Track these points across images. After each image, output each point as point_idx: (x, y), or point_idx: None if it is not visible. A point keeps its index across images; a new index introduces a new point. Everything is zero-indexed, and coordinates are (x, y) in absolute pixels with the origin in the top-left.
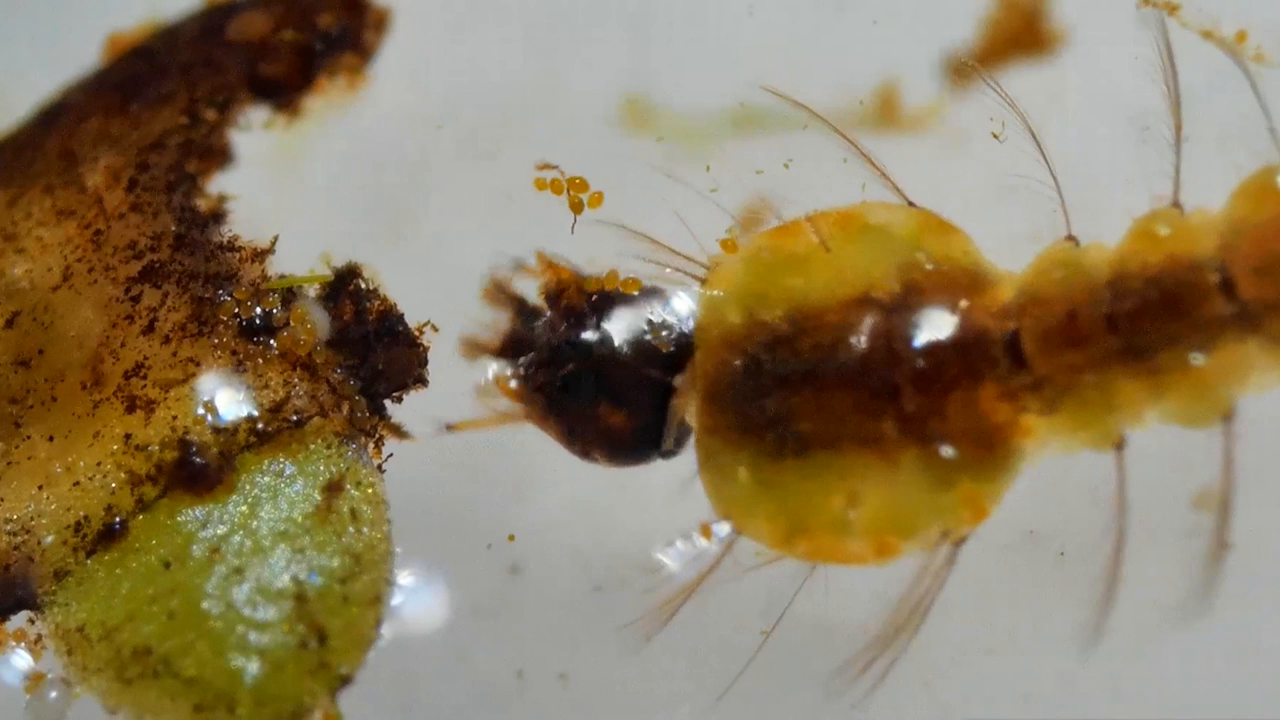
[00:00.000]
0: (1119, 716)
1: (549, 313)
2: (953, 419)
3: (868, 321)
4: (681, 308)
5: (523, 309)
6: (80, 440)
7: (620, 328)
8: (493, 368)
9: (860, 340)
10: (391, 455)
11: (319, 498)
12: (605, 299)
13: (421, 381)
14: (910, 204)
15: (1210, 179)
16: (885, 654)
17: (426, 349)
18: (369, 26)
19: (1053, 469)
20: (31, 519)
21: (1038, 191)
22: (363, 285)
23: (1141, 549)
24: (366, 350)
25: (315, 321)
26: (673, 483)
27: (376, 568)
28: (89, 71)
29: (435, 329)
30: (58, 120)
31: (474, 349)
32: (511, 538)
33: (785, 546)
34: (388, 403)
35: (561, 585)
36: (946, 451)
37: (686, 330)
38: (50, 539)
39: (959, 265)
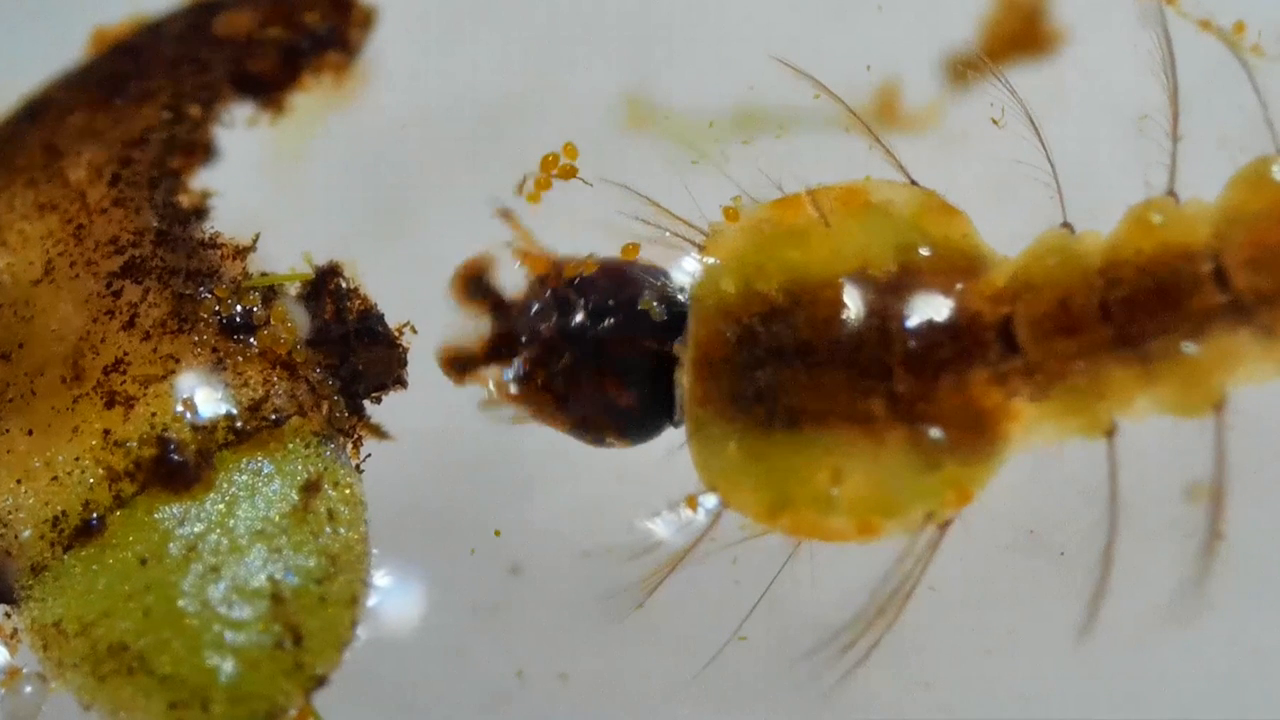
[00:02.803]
0: (1119, 716)
1: (533, 305)
2: (942, 402)
3: (863, 300)
4: (670, 274)
5: (499, 305)
6: (59, 435)
7: (609, 305)
8: (488, 379)
9: (854, 318)
10: (370, 456)
11: (296, 497)
12: (588, 281)
13: (401, 383)
14: (913, 183)
15: (1208, 177)
16: (866, 636)
17: (406, 350)
18: (355, 25)
19: (1054, 469)
20: (9, 513)
21: (1036, 190)
22: (343, 284)
23: (1142, 549)
24: (346, 350)
25: (295, 320)
26: (673, 481)
27: (353, 568)
28: (73, 66)
29: (415, 330)
30: (41, 115)
31: (457, 362)
32: (498, 533)
33: (770, 520)
34: (367, 403)
35: (561, 585)
36: (934, 433)
37: (678, 294)
38: (28, 533)
39: (957, 248)
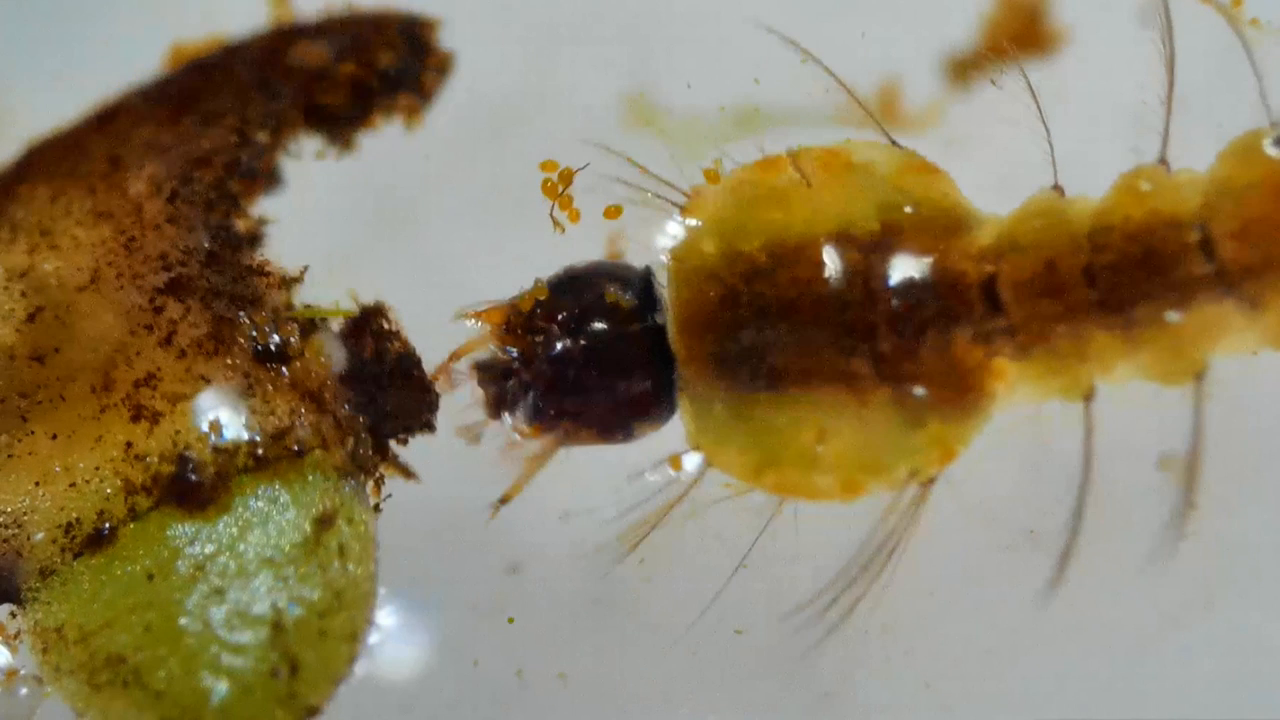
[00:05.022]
0: (1119, 716)
1: (511, 352)
2: (926, 360)
3: (846, 259)
4: (618, 260)
5: (483, 368)
6: (82, 442)
7: (578, 313)
8: (504, 427)
9: (837, 278)
10: (390, 496)
11: (309, 529)
12: (546, 304)
13: (429, 427)
14: (894, 143)
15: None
16: (848, 593)
17: (439, 396)
18: (430, 69)
19: (1055, 469)
20: (24, 514)
21: (1035, 191)
22: (386, 325)
23: (1143, 550)
24: (378, 389)
25: (331, 355)
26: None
27: (357, 605)
28: (148, 79)
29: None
30: (110, 123)
31: (473, 427)
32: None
33: (754, 479)
34: (392, 443)
35: (561, 585)
36: (918, 392)
37: (636, 274)
38: (40, 536)
39: (939, 207)
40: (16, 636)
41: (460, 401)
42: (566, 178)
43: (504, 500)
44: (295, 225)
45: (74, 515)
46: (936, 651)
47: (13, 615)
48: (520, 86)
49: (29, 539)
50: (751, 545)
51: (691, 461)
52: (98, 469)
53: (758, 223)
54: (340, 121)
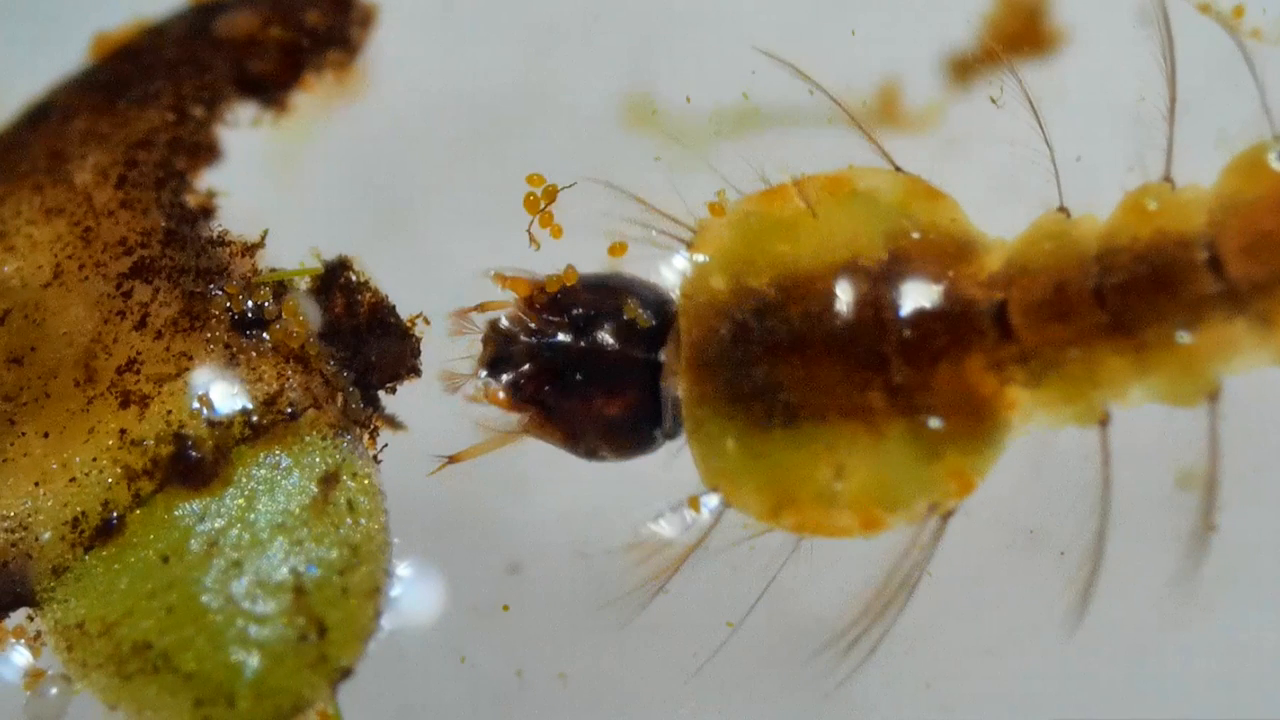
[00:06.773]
0: (1119, 716)
1: (520, 325)
2: (939, 390)
3: (855, 290)
4: (651, 281)
5: (494, 327)
6: (75, 436)
7: (592, 316)
8: (481, 385)
9: (848, 309)
10: (386, 446)
11: (315, 490)
12: (570, 293)
13: (414, 372)
14: (898, 169)
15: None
16: (872, 628)
17: (419, 340)
18: (355, 23)
19: (1055, 469)
20: (28, 516)
21: (1038, 189)
22: (353, 278)
23: (1143, 550)
24: (359, 342)
25: (307, 314)
26: (674, 482)
27: (374, 559)
28: (76, 71)
29: (428, 321)
30: (45, 120)
31: (456, 377)
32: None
33: (773, 518)
34: (381, 394)
35: (561, 585)
36: (933, 423)
37: (661, 301)
38: (48, 535)
39: (946, 233)
40: (37, 638)
41: (457, 351)
42: (550, 194)
43: (453, 460)
44: (295, 225)
45: (79, 509)
46: (936, 651)
47: (30, 618)
48: (520, 86)
49: (36, 539)
50: (770, 581)
51: (710, 503)
52: (95, 460)
53: (766, 256)
54: (273, 86)
